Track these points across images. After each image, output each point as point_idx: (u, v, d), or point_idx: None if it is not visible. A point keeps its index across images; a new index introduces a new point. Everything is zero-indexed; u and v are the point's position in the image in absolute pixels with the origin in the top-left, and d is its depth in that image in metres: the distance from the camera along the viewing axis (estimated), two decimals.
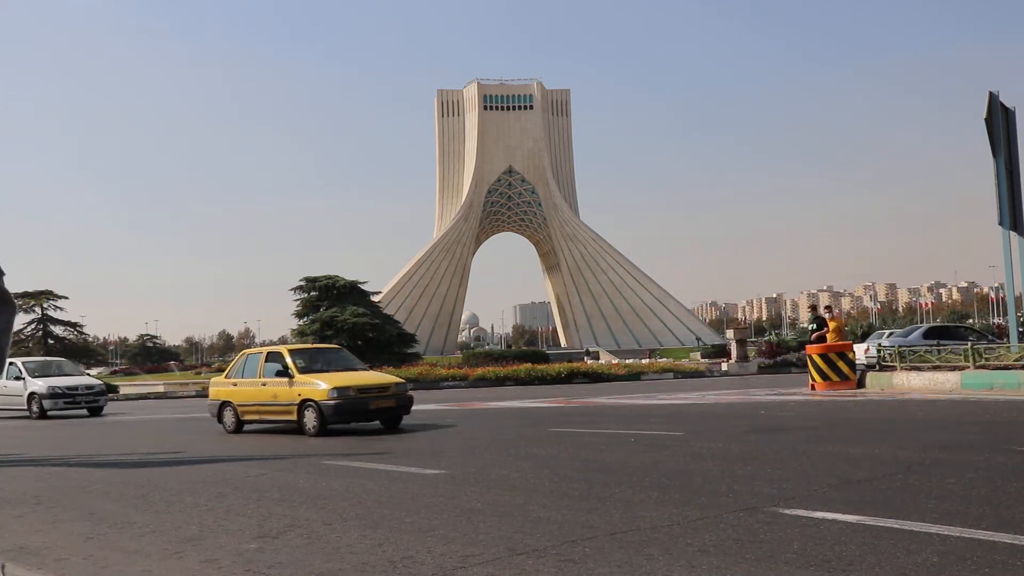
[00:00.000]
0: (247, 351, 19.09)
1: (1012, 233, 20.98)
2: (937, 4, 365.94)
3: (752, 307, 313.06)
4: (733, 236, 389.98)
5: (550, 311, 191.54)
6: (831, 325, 22.18)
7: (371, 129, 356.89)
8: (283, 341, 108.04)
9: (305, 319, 59.73)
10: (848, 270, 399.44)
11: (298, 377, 16.13)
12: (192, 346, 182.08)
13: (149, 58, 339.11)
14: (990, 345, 21.66)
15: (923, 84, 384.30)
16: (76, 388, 25.20)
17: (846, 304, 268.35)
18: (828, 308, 24.61)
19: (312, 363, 16.93)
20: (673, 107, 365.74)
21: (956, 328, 36.07)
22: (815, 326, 22.27)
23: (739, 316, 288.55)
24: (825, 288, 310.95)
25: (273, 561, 5.82)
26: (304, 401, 15.78)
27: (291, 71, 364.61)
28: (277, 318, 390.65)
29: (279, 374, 16.32)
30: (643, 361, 56.90)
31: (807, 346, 22.45)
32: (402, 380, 17.59)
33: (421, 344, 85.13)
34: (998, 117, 21.38)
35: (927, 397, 17.45)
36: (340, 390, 15.54)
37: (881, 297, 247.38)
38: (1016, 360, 19.13)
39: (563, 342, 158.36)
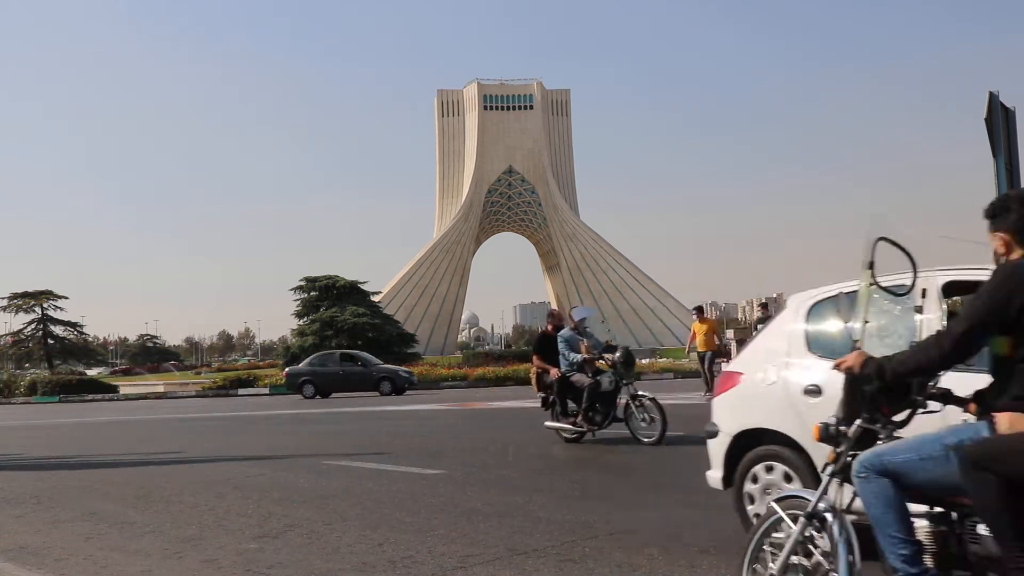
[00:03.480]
0: None
1: None
2: (937, 4, 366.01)
3: (752, 307, 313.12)
4: (733, 236, 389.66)
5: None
6: (700, 328, 21.36)
7: (371, 129, 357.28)
8: (283, 341, 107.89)
9: (305, 319, 59.81)
10: (848, 270, 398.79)
11: None
12: (192, 346, 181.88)
13: (150, 58, 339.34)
14: None
15: (923, 84, 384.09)
16: None
17: None
18: (699, 309, 22.71)
19: None
20: (673, 107, 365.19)
21: None
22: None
23: (739, 316, 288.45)
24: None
25: (273, 561, 5.82)
26: None
27: (291, 71, 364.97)
28: (277, 318, 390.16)
29: None
30: (643, 361, 56.75)
31: None
32: None
33: (421, 344, 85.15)
34: (998, 117, 21.28)
35: None
36: None
37: None
38: None
39: None
